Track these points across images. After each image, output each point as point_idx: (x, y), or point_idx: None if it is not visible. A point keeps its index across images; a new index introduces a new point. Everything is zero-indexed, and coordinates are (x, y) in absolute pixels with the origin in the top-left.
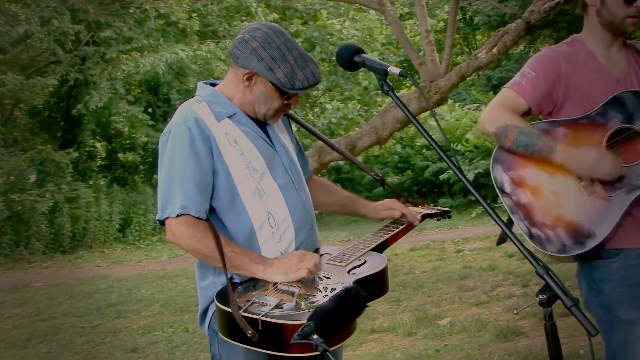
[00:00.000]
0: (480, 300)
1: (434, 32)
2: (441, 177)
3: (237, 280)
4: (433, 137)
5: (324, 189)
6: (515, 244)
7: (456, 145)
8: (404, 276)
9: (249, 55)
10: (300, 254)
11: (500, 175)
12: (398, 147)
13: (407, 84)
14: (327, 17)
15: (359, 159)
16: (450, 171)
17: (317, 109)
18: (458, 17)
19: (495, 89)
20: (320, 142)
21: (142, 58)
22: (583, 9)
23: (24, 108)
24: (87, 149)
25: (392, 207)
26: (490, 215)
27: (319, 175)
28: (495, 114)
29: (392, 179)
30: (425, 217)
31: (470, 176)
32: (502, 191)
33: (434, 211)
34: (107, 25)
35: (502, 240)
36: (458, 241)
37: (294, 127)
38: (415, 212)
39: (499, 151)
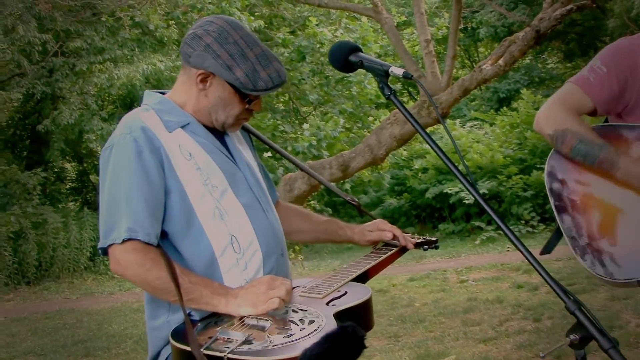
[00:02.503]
0: (488, 336)
1: (434, 42)
2: (451, 200)
3: (195, 317)
4: (433, 153)
5: (296, 214)
6: (538, 271)
7: (457, 166)
8: (402, 309)
9: (203, 53)
10: (269, 281)
11: (553, 183)
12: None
13: (405, 96)
14: (317, 25)
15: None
16: (453, 195)
17: (306, 126)
18: (460, 27)
19: (503, 102)
20: (312, 162)
21: (116, 69)
22: None
23: None
24: (56, 170)
25: (383, 227)
26: (506, 235)
27: (308, 198)
28: (555, 114)
29: (389, 203)
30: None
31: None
32: (558, 203)
33: (419, 240)
34: (77, 34)
35: (547, 250)
36: (461, 270)
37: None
38: (408, 235)
39: (555, 155)
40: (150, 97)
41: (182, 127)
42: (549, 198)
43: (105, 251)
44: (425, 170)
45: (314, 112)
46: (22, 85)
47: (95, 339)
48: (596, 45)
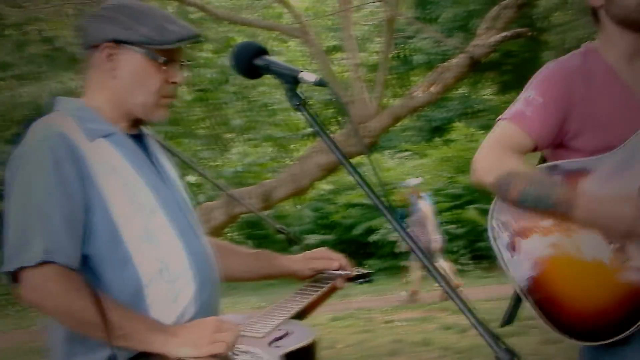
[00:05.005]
0: None
1: (365, 68)
2: (378, 235)
3: (120, 358)
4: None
5: (221, 249)
6: (470, 320)
7: (386, 202)
8: (323, 351)
9: (99, 25)
10: (216, 323)
11: (501, 238)
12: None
13: (334, 125)
14: None
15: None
16: (380, 231)
17: (229, 153)
18: (392, 54)
19: (436, 132)
20: (232, 190)
21: (20, 87)
22: (594, 17)
23: None
24: None
25: (329, 256)
26: (432, 274)
27: (226, 230)
28: (493, 159)
29: (313, 238)
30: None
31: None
32: (509, 261)
33: (353, 273)
34: None
35: (508, 320)
36: (387, 310)
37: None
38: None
39: (500, 206)
40: (64, 102)
41: (105, 137)
42: (498, 257)
43: (12, 276)
44: (352, 205)
45: (237, 139)
46: None
47: None
48: (531, 77)
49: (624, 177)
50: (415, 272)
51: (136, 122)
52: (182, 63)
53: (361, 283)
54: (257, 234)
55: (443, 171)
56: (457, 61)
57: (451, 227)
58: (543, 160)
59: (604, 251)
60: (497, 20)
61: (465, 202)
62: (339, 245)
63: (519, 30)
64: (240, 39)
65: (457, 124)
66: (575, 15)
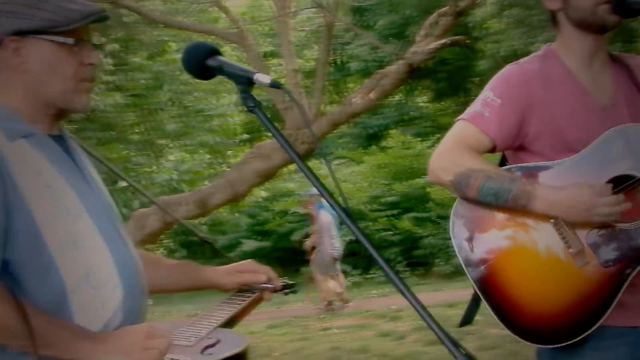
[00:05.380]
0: None
1: (302, 74)
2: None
3: None
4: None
5: (144, 259)
6: (427, 323)
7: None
8: (260, 359)
9: None
10: (148, 330)
11: (462, 239)
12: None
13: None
14: (176, 51)
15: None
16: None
17: (163, 159)
18: (329, 60)
19: (372, 139)
20: (167, 197)
21: None
22: (552, 20)
23: None
24: None
25: (255, 269)
26: (395, 284)
27: (161, 237)
28: (451, 157)
29: (249, 245)
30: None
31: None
32: (467, 260)
33: (279, 287)
34: None
35: (466, 320)
36: (324, 317)
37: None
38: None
39: (461, 205)
40: None
41: (26, 137)
42: (458, 256)
43: None
44: (288, 212)
45: (172, 145)
46: None
47: None
48: (466, 85)
49: (585, 179)
50: (325, 282)
51: (58, 117)
52: (95, 43)
53: (286, 294)
54: (191, 241)
55: (379, 178)
56: (395, 68)
57: (387, 234)
58: (503, 162)
59: (563, 252)
60: (434, 27)
61: (401, 210)
62: (275, 252)
63: (456, 37)
64: (175, 44)
65: (393, 131)
66: (510, 25)
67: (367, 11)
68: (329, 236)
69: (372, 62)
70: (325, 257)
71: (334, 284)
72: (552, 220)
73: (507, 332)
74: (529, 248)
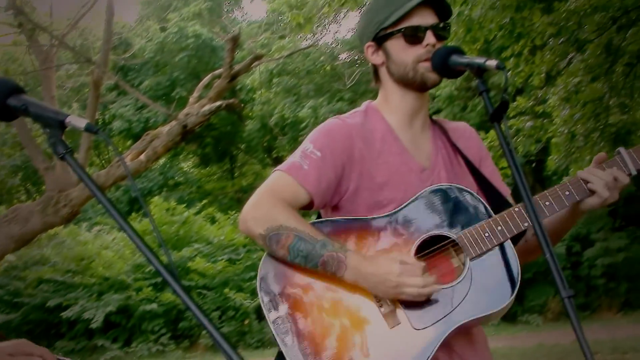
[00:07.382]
0: None
1: None
2: (71, 314)
3: None
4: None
5: None
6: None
7: (81, 278)
8: None
9: None
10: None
11: (270, 299)
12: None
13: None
14: None
15: None
16: (75, 308)
17: None
18: (94, 119)
19: (135, 203)
20: None
21: None
22: (375, 76)
23: None
24: None
25: (28, 351)
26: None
27: None
28: (264, 208)
29: None
30: None
31: (100, 315)
32: (275, 323)
33: None
34: None
35: None
36: None
37: None
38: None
39: (269, 261)
40: None
41: None
42: (266, 317)
43: None
44: (43, 281)
45: None
46: None
47: None
48: (232, 151)
49: (399, 239)
50: None
51: None
52: None
53: None
54: None
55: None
56: (169, 129)
57: (152, 307)
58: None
59: (375, 313)
60: (208, 89)
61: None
62: (26, 326)
63: (230, 101)
64: None
65: (155, 199)
66: (278, 93)
67: (131, 71)
68: None
69: (137, 122)
70: None
71: None
72: None
73: None
74: (340, 310)
